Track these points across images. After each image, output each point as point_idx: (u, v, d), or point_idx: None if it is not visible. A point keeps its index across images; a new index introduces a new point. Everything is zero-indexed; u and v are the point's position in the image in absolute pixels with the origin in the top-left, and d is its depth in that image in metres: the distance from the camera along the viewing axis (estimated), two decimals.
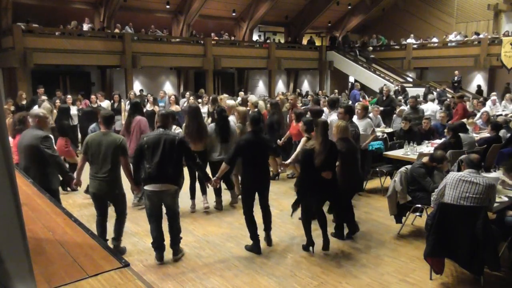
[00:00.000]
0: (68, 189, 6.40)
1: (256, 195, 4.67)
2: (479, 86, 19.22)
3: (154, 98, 10.82)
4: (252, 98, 9.25)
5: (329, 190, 4.57)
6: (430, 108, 9.64)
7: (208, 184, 4.84)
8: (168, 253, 4.34)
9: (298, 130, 6.51)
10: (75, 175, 4.58)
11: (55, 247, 2.21)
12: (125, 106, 10.76)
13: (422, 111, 8.83)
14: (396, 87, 15.79)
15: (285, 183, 7.36)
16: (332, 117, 6.54)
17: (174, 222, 4.33)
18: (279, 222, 5.39)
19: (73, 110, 8.78)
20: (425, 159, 4.91)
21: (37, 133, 4.32)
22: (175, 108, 9.81)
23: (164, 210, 4.34)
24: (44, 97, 9.37)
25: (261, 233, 4.70)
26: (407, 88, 17.52)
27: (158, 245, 4.27)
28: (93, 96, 10.59)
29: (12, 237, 1.42)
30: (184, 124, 5.77)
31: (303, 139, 5.32)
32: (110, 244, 4.38)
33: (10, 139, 4.81)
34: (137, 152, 4.18)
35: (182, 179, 4.38)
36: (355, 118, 6.18)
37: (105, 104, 10.31)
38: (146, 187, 4.13)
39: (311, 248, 4.55)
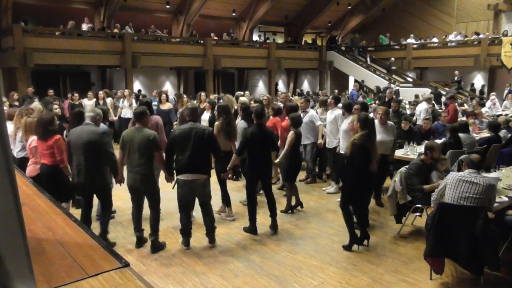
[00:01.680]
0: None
1: None
2: (483, 86, 19.07)
3: (143, 95, 10.84)
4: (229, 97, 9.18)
5: (372, 182, 4.89)
6: (419, 108, 9.51)
7: (223, 176, 5.24)
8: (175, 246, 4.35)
9: (273, 124, 6.85)
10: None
11: (55, 247, 2.21)
12: (114, 104, 10.69)
13: (405, 115, 8.08)
14: (396, 88, 15.81)
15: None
16: (336, 112, 6.66)
17: (207, 210, 4.61)
18: (279, 222, 5.38)
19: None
20: (423, 157, 4.95)
21: (96, 129, 4.39)
22: (167, 106, 9.82)
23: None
24: (26, 102, 9.22)
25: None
26: (404, 88, 17.54)
27: (186, 232, 4.60)
28: (76, 94, 10.52)
29: (12, 237, 1.42)
30: (218, 122, 5.65)
31: (291, 133, 5.59)
32: (148, 238, 4.58)
33: (33, 137, 4.71)
34: (169, 144, 4.46)
35: (210, 168, 4.63)
36: (376, 124, 5.62)
37: (92, 102, 10.29)
38: (178, 177, 4.42)
39: (355, 245, 4.62)
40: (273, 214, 5.13)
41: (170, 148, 4.45)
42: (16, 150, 5.36)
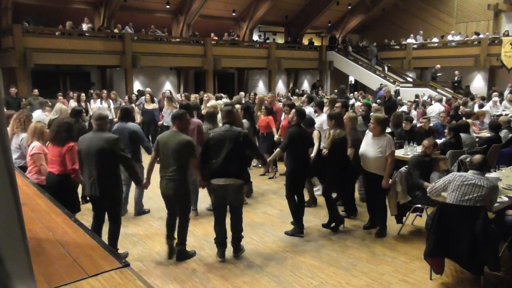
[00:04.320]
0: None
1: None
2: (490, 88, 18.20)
3: (129, 97, 10.80)
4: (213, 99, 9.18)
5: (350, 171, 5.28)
6: (435, 109, 9.57)
7: (263, 167, 5.49)
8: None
9: (266, 123, 7.51)
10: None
11: (55, 247, 2.21)
12: (98, 106, 10.48)
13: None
14: (397, 88, 15.82)
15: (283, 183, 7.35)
16: (307, 110, 6.99)
17: (237, 217, 4.39)
18: (279, 222, 5.39)
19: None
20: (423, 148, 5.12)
21: (108, 136, 4.06)
22: (152, 106, 9.91)
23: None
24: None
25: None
26: (404, 88, 17.48)
27: (220, 241, 4.35)
28: (74, 95, 10.46)
29: (12, 237, 1.42)
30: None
31: (316, 132, 5.86)
32: (175, 247, 4.35)
33: (35, 144, 4.38)
34: (205, 148, 4.32)
35: (247, 173, 4.50)
36: (369, 135, 5.05)
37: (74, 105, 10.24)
38: (212, 181, 4.23)
39: (333, 224, 5.11)
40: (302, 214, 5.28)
41: (205, 152, 4.30)
42: (13, 157, 4.89)
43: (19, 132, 4.90)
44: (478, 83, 19.82)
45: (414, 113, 10.73)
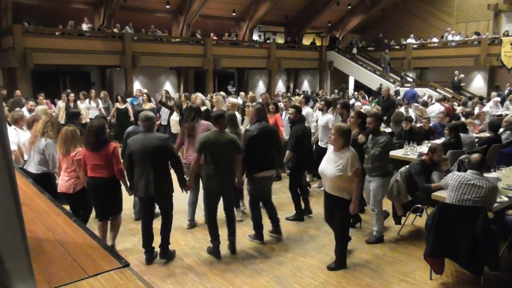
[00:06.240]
0: None
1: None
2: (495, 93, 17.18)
3: (121, 96, 10.79)
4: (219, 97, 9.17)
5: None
6: (435, 109, 9.56)
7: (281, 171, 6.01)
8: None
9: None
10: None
11: (55, 247, 2.21)
12: (87, 106, 10.37)
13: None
14: (397, 88, 15.80)
15: (285, 183, 7.34)
16: (306, 110, 7.47)
17: (270, 204, 4.87)
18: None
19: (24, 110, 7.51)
20: (424, 157, 4.94)
21: (160, 135, 4.24)
22: (149, 106, 9.98)
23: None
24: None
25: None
26: (404, 88, 17.43)
27: (258, 226, 4.77)
28: (40, 97, 10.36)
29: (12, 237, 1.42)
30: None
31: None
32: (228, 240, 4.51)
33: (78, 149, 4.30)
34: (250, 143, 4.60)
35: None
36: (331, 149, 4.22)
37: (62, 105, 10.18)
38: (255, 174, 4.63)
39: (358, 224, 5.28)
40: (307, 202, 5.70)
41: (251, 147, 4.56)
42: (32, 164, 4.62)
43: (45, 137, 4.62)
44: (478, 83, 19.82)
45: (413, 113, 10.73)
